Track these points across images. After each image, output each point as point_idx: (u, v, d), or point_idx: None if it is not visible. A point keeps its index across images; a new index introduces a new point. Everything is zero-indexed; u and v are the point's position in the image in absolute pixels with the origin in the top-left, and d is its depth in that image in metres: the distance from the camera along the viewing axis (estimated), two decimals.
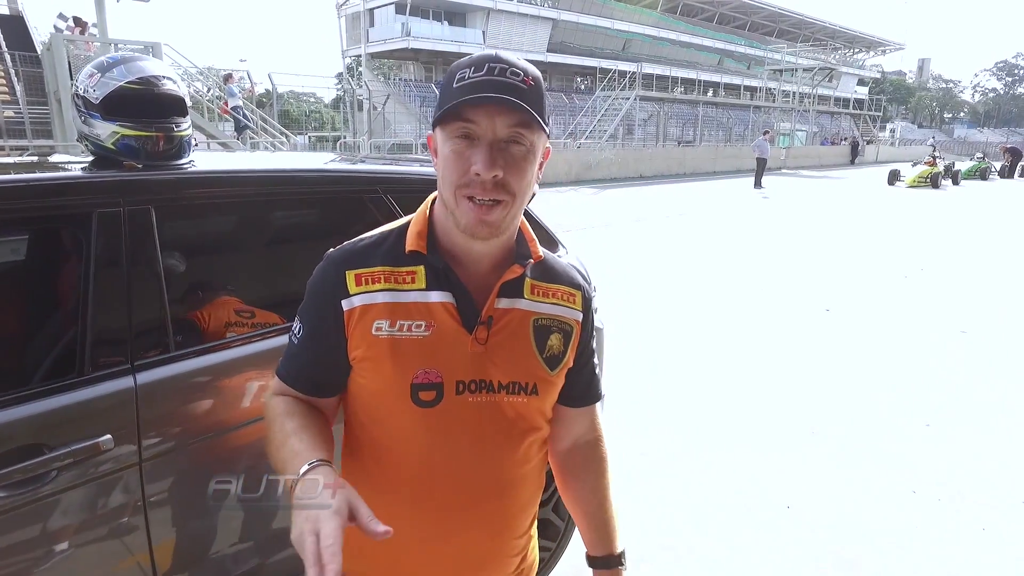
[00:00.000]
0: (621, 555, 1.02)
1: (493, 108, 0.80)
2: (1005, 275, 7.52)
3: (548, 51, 31.98)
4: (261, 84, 20.83)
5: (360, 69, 29.28)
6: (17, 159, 1.92)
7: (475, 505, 0.92)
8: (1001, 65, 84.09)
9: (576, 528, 1.19)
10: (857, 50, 53.00)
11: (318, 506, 0.72)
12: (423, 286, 0.89)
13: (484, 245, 0.89)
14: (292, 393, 0.94)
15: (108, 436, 1.22)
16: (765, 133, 21.62)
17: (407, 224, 0.95)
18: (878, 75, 59.83)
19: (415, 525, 0.91)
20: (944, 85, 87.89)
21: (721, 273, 7.38)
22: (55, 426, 1.20)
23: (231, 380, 1.44)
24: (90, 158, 1.53)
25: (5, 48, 12.39)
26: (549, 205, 12.88)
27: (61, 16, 13.02)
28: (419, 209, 0.95)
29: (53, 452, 1.17)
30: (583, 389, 1.03)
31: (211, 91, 14.79)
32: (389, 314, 0.88)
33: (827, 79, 40.20)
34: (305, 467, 0.78)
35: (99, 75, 1.45)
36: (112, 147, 1.45)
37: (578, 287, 1.00)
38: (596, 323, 2.43)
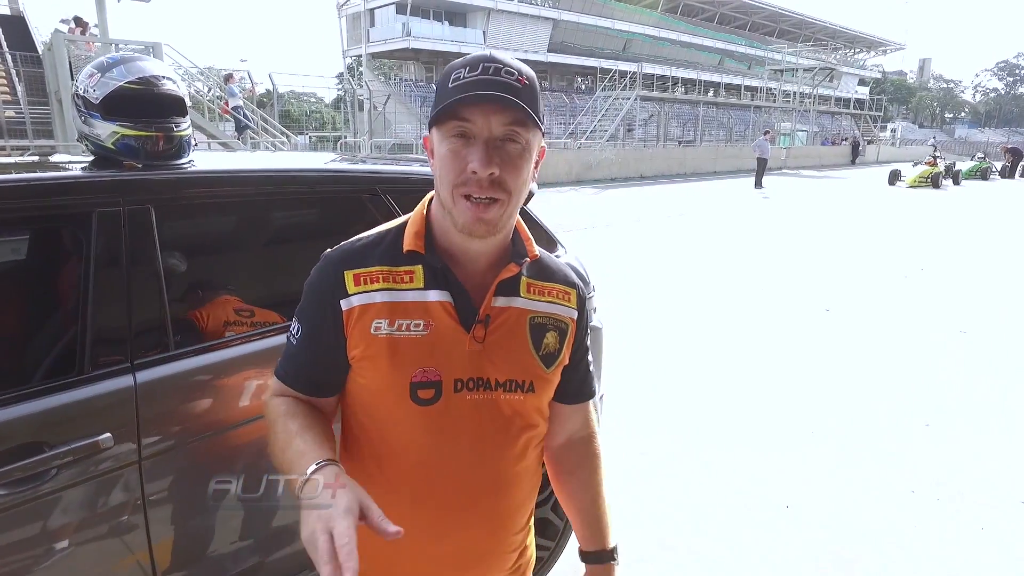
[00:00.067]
0: (614, 550, 1.04)
1: (488, 107, 0.81)
2: (1005, 275, 7.52)
3: (549, 51, 32.01)
4: (262, 84, 20.83)
5: (361, 69, 29.31)
6: (18, 159, 1.92)
7: (474, 502, 0.93)
8: (1002, 65, 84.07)
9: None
10: (858, 50, 52.98)
11: (318, 506, 0.73)
12: (421, 285, 0.90)
13: (481, 244, 0.90)
14: (291, 393, 0.95)
15: (108, 434, 1.22)
16: (766, 133, 21.62)
17: (404, 224, 0.95)
18: (879, 75, 59.83)
19: (414, 523, 0.91)
20: (945, 85, 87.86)
21: (721, 273, 7.38)
22: (55, 424, 1.20)
23: (230, 379, 1.44)
24: (90, 158, 1.54)
25: (6, 48, 12.41)
26: (550, 205, 12.89)
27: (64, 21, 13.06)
28: (416, 209, 0.96)
29: (53, 450, 1.17)
30: (578, 386, 1.04)
31: (212, 91, 14.80)
32: (388, 313, 0.89)
33: (828, 79, 40.16)
34: (313, 467, 0.79)
35: (99, 75, 1.45)
36: (112, 147, 1.46)
37: (573, 285, 1.01)
38: (595, 323, 2.44)
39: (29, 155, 2.55)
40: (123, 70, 1.46)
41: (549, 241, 2.17)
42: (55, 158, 2.18)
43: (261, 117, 16.00)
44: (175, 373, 1.35)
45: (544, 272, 0.99)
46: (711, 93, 36.34)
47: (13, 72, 12.07)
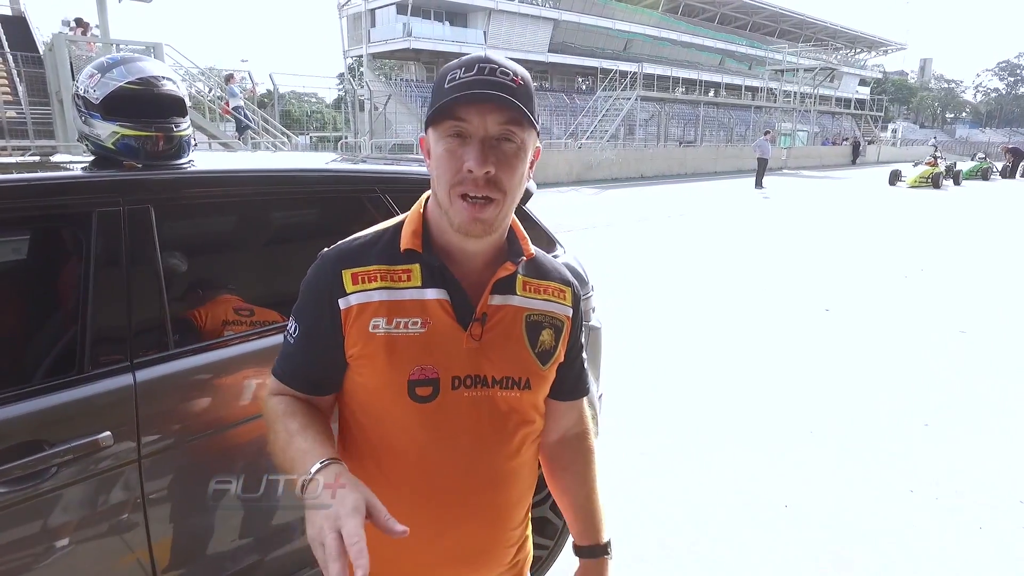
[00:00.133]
0: (607, 545, 1.06)
1: (484, 106, 0.82)
2: (1005, 275, 7.52)
3: (549, 51, 32.02)
4: (263, 84, 20.86)
5: (361, 69, 29.32)
6: (19, 159, 1.93)
7: (472, 498, 0.94)
8: (1003, 65, 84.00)
9: None
10: (859, 50, 52.96)
11: (319, 506, 0.73)
12: (419, 284, 0.91)
13: (477, 243, 0.91)
14: (290, 392, 0.95)
15: (107, 433, 1.23)
16: (766, 133, 21.61)
17: (401, 223, 0.96)
18: (880, 75, 59.80)
19: (414, 519, 0.92)
20: (946, 85, 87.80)
21: (721, 273, 7.39)
22: (55, 423, 1.21)
23: (230, 378, 1.45)
24: (91, 158, 1.54)
25: (7, 48, 12.43)
26: (550, 205, 12.89)
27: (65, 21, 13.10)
28: (413, 208, 0.97)
29: (53, 448, 1.18)
30: (573, 383, 1.05)
31: (212, 91, 14.81)
32: (386, 312, 0.89)
33: (828, 79, 40.13)
34: (317, 465, 0.79)
35: (99, 75, 1.46)
36: (112, 147, 1.46)
37: (568, 283, 1.02)
38: (594, 322, 2.44)
39: (30, 155, 2.56)
40: (123, 70, 1.47)
41: (548, 241, 2.17)
42: (56, 158, 2.19)
43: (262, 117, 16.02)
44: (175, 372, 1.36)
45: (540, 270, 1.00)
46: (712, 93, 36.36)
47: (14, 72, 12.08)
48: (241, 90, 15.42)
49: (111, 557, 1.30)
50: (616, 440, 3.22)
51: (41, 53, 12.36)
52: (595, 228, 10.53)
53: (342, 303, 0.90)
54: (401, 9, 27.87)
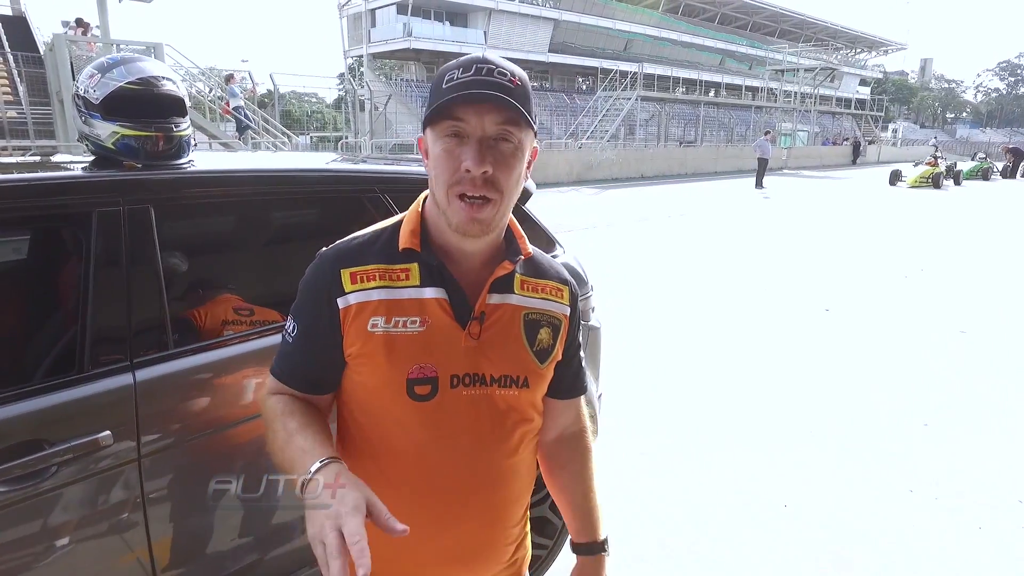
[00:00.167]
0: (604, 541, 1.07)
1: (482, 106, 0.82)
2: (1005, 275, 7.52)
3: (550, 51, 32.01)
4: (263, 84, 20.88)
5: (362, 69, 29.32)
6: (19, 159, 1.93)
7: (471, 496, 0.94)
8: (1004, 65, 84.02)
9: None
10: (859, 50, 52.95)
11: (319, 506, 0.74)
12: (417, 283, 0.91)
13: (475, 243, 0.91)
14: (288, 391, 0.96)
15: (107, 432, 1.23)
16: (766, 133, 21.61)
17: (399, 222, 0.97)
18: (880, 75, 59.76)
19: (412, 517, 0.92)
20: (946, 85, 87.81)
21: (722, 273, 7.39)
22: (55, 422, 1.21)
23: (230, 377, 1.45)
24: (91, 158, 1.55)
25: (8, 48, 12.44)
26: (551, 205, 12.90)
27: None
28: (411, 207, 0.97)
29: (53, 447, 1.18)
30: (571, 382, 1.06)
31: (213, 91, 14.82)
32: (384, 311, 0.90)
33: (829, 79, 40.13)
34: (317, 464, 0.79)
35: (99, 76, 1.46)
36: (112, 147, 1.46)
37: (565, 282, 1.03)
38: (593, 322, 2.44)
39: (31, 155, 2.56)
40: (123, 71, 1.47)
41: (548, 241, 2.17)
42: (56, 158, 2.19)
43: (262, 117, 16.03)
44: (174, 371, 1.36)
45: (537, 269, 1.01)
46: (712, 93, 36.34)
47: (15, 72, 12.09)
48: (241, 90, 15.43)
49: (111, 556, 1.30)
50: (616, 440, 3.22)
51: (42, 53, 12.38)
52: (595, 228, 10.53)
53: (341, 302, 0.90)
54: (401, 9, 27.87)
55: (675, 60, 36.87)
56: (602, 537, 1.07)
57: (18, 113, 11.63)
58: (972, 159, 26.85)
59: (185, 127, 1.55)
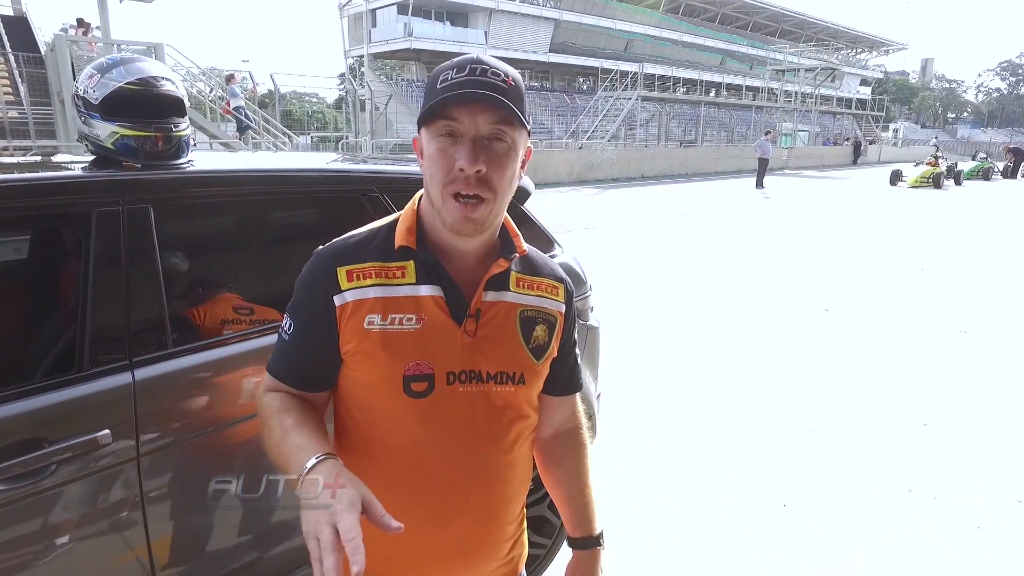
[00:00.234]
0: (599, 536, 1.08)
1: (475, 106, 0.83)
2: (1005, 275, 7.51)
3: (550, 51, 32.03)
4: (263, 84, 20.87)
5: (362, 69, 29.34)
6: (19, 159, 1.94)
7: (467, 492, 0.95)
8: (1005, 65, 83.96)
9: None
10: (860, 50, 52.94)
11: (319, 506, 0.74)
12: (413, 280, 0.92)
13: (470, 241, 0.92)
14: (284, 389, 0.96)
15: (106, 431, 1.23)
16: (767, 133, 21.60)
17: (395, 221, 0.97)
18: (881, 75, 59.77)
19: (409, 514, 0.92)
20: (947, 85, 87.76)
21: (722, 273, 7.39)
22: (54, 420, 1.21)
23: (229, 376, 1.46)
24: (91, 158, 1.55)
25: (9, 48, 12.45)
26: (551, 205, 12.91)
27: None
28: (407, 206, 0.98)
29: (52, 446, 1.18)
30: (566, 379, 1.07)
31: (213, 92, 14.83)
32: (381, 308, 0.90)
33: (829, 79, 40.08)
34: (313, 460, 0.80)
35: (99, 76, 1.47)
36: (111, 147, 1.47)
37: (561, 280, 1.04)
38: (592, 322, 2.44)
39: (31, 155, 2.57)
40: (123, 71, 1.47)
41: (546, 241, 2.17)
42: (56, 158, 2.20)
43: (263, 117, 16.03)
44: (173, 370, 1.37)
45: (532, 267, 1.01)
46: (713, 93, 36.34)
47: (16, 72, 12.11)
48: (242, 90, 15.42)
49: (110, 554, 1.31)
50: (615, 440, 3.23)
51: (43, 53, 12.39)
52: (595, 228, 10.53)
53: (337, 300, 0.90)
54: (402, 9, 27.90)
55: (676, 60, 36.87)
56: (597, 532, 1.08)
57: (19, 113, 11.65)
58: (973, 159, 26.83)
59: (184, 127, 1.55)
